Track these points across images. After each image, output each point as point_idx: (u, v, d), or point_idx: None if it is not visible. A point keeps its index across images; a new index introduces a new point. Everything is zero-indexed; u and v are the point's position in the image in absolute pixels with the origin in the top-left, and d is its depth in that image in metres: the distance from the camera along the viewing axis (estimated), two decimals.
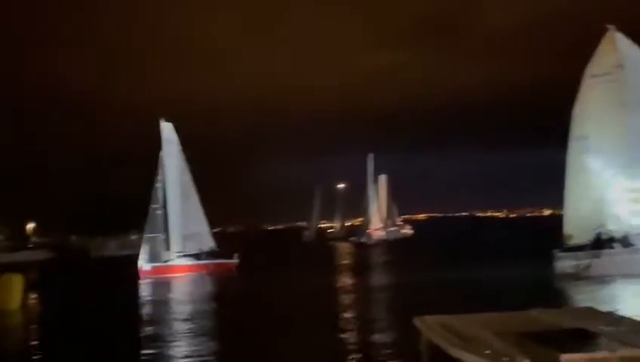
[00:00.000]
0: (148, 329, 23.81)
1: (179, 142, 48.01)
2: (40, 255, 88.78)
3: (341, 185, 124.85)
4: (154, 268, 45.99)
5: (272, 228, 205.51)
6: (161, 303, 32.51)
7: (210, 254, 47.63)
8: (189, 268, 46.52)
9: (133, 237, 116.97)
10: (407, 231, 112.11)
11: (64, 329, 24.92)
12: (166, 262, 46.65)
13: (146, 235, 46.97)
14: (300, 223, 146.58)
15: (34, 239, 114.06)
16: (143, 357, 18.56)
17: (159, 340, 21.02)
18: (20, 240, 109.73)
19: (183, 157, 48.07)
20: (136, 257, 46.49)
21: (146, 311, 30.70)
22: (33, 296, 34.95)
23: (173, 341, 20.86)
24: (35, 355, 19.94)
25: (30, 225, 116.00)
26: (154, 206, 46.84)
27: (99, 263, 75.50)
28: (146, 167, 48.08)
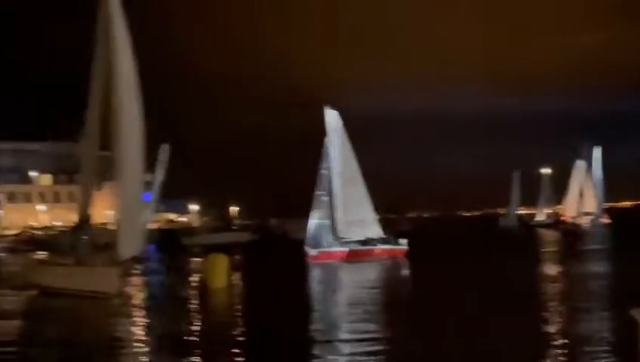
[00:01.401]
0: (322, 314, 24.84)
1: (344, 129, 48.46)
2: (243, 237, 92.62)
3: (545, 171, 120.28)
4: (320, 253, 46.88)
5: (468, 214, 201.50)
6: (332, 288, 33.42)
7: (376, 240, 47.78)
8: (356, 253, 46.90)
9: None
10: (605, 219, 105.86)
11: (262, 309, 26.23)
12: (332, 247, 47.31)
13: (312, 221, 47.95)
14: (498, 210, 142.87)
15: (237, 221, 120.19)
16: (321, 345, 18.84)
17: (336, 325, 21.64)
18: (225, 222, 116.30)
19: (348, 143, 48.46)
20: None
21: (317, 295, 31.55)
22: (236, 275, 36.43)
23: (351, 329, 20.97)
24: (238, 331, 21.22)
25: (234, 208, 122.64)
26: (319, 192, 47.69)
27: (295, 245, 77.82)
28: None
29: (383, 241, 48.03)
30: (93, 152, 33.71)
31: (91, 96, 32.54)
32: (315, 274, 40.24)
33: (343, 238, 47.69)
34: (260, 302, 28.62)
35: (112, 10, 30.90)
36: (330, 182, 48.06)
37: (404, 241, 47.91)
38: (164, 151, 79.96)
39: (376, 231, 48.29)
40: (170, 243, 75.70)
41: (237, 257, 48.61)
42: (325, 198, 47.82)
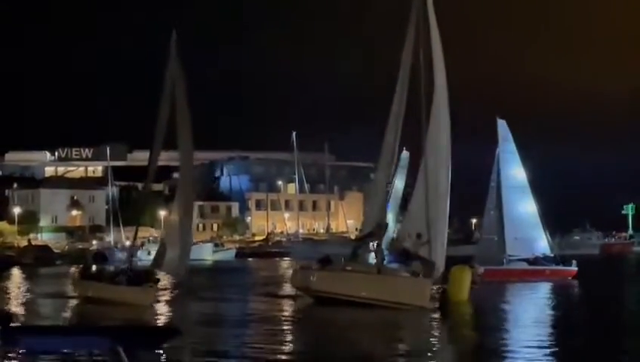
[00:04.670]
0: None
1: (514, 140, 46.32)
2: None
3: None
4: (487, 270, 45.07)
5: None
6: (495, 310, 31.99)
7: (545, 259, 45.11)
8: (523, 273, 44.61)
9: (576, 237, 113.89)
10: None
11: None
12: (500, 265, 45.37)
13: (481, 236, 46.39)
14: None
15: (476, 234, 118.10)
16: None
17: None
18: (465, 235, 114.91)
19: (517, 156, 46.26)
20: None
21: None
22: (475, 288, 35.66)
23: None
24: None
25: (474, 221, 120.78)
26: (488, 206, 45.96)
27: None
28: None
29: (553, 261, 45.22)
30: (389, 163, 34.24)
31: (393, 115, 33.00)
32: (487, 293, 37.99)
33: (510, 256, 45.51)
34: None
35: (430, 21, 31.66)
36: (498, 196, 46.09)
37: (573, 262, 44.87)
38: (404, 159, 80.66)
39: (544, 249, 45.53)
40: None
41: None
42: (493, 212, 45.94)
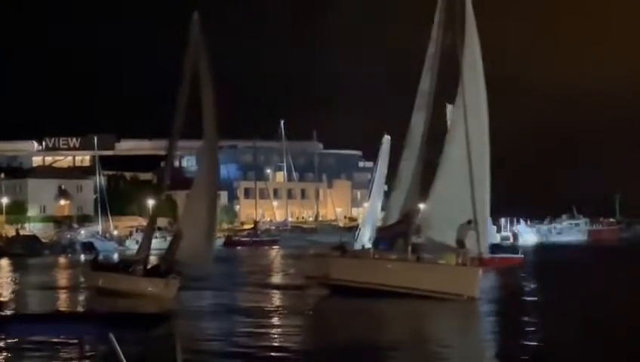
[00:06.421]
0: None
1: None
2: None
3: None
4: None
5: None
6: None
7: (492, 247, 45.20)
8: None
9: (564, 223, 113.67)
10: None
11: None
12: None
13: None
14: None
15: None
16: None
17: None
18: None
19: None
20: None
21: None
22: None
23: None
24: None
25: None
26: None
27: None
28: None
29: (499, 249, 45.42)
30: (417, 146, 32.58)
31: (420, 95, 32.36)
32: None
33: None
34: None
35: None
36: None
37: (519, 250, 45.43)
38: (386, 143, 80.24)
39: (491, 237, 45.63)
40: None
41: None
42: None
